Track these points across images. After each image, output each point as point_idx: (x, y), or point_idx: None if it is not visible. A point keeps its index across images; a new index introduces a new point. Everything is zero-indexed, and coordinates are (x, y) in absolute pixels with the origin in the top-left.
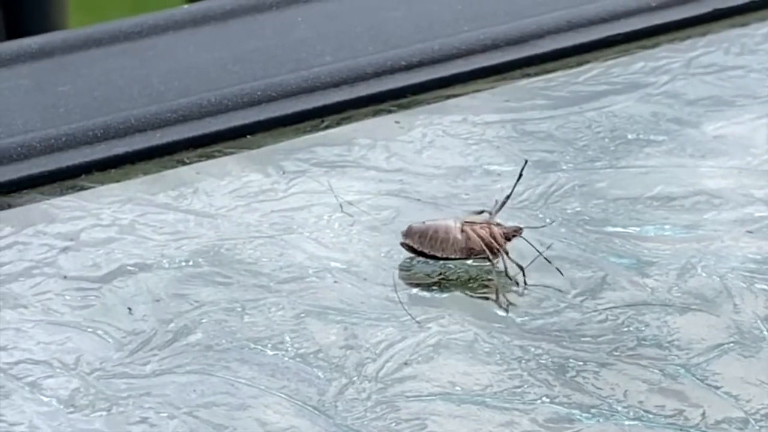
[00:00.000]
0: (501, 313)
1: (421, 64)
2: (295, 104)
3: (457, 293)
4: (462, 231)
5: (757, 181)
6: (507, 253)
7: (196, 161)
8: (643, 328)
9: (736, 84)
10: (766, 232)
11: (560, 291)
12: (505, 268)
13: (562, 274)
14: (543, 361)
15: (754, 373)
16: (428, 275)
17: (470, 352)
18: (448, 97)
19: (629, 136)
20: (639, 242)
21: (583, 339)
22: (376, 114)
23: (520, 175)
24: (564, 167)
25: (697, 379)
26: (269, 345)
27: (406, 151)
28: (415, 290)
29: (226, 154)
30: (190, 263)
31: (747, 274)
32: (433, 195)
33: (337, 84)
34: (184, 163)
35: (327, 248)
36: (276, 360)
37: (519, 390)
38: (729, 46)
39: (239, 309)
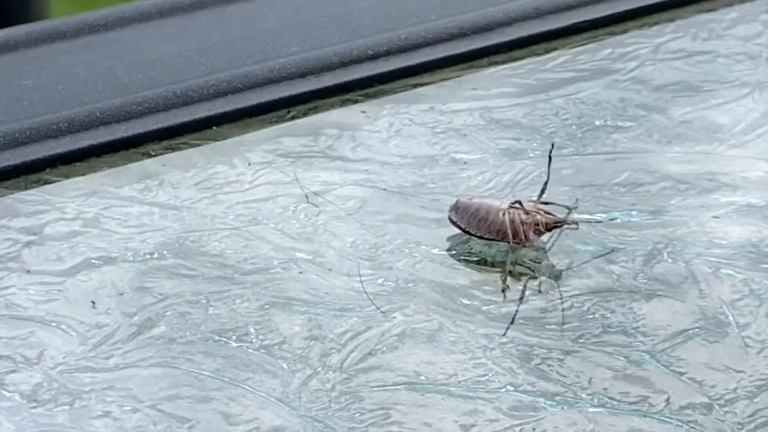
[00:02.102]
0: (466, 301)
1: (387, 54)
2: (261, 95)
3: (423, 283)
4: (504, 213)
5: (723, 166)
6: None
7: (162, 153)
8: (609, 315)
9: (704, 69)
10: (732, 217)
11: (526, 278)
12: (515, 258)
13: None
14: (507, 350)
15: (719, 358)
16: (393, 266)
17: (435, 342)
18: (415, 86)
19: (596, 123)
20: (605, 229)
21: (548, 327)
22: (342, 104)
23: (550, 158)
24: (531, 155)
25: (662, 365)
26: (233, 337)
27: (372, 140)
28: (380, 280)
29: (191, 146)
30: (155, 256)
31: (713, 259)
32: (400, 184)
33: (303, 74)
34: (149, 156)
35: (292, 239)
36: (240, 352)
37: (483, 379)
38: (697, 32)
39: (203, 301)
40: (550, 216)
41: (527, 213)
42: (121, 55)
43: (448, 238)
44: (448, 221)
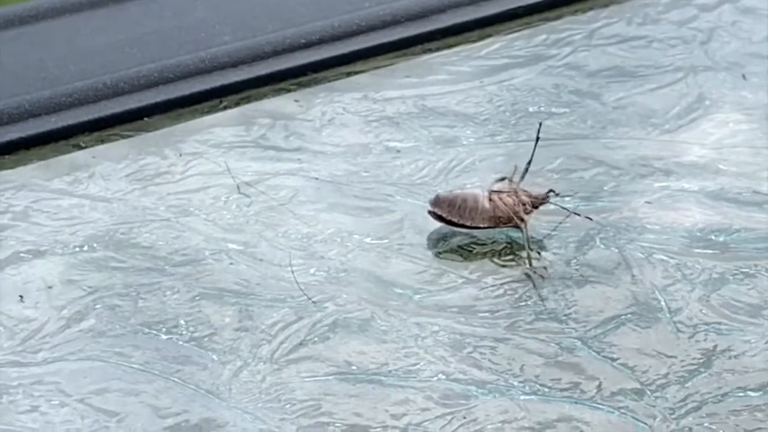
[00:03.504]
0: (398, 290)
1: (320, 42)
2: (193, 85)
3: (355, 272)
4: (490, 200)
5: (657, 151)
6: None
7: (93, 145)
8: (541, 302)
9: (639, 54)
10: (664, 202)
11: (458, 267)
12: (527, 238)
13: (591, 219)
14: (440, 338)
15: (651, 344)
16: (325, 256)
17: (367, 331)
18: (349, 74)
19: (530, 109)
20: (538, 215)
21: (480, 315)
22: (275, 93)
23: (537, 138)
24: (464, 142)
25: (594, 351)
26: (163, 329)
27: (305, 129)
28: (312, 270)
29: (123, 137)
30: (85, 248)
31: (645, 245)
32: (332, 173)
33: (235, 64)
34: (80, 148)
35: (224, 230)
36: (170, 344)
37: (415, 368)
38: (632, 17)
39: (133, 293)
40: (533, 194)
41: (512, 195)
42: (52, 47)
43: (380, 228)
44: (428, 215)
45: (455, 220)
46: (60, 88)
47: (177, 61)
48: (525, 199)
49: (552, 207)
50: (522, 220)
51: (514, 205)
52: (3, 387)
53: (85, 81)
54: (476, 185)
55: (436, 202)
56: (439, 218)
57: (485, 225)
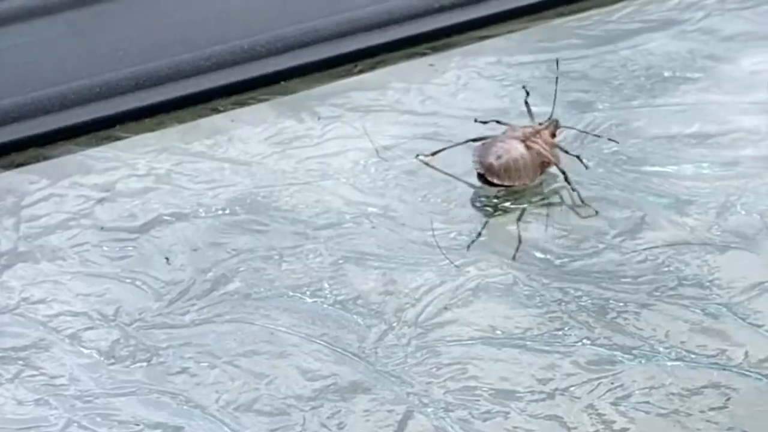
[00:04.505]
0: (540, 255)
1: (454, 6)
2: (329, 49)
3: (497, 236)
4: (528, 149)
5: None
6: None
7: (231, 109)
8: (684, 268)
9: None
10: None
11: (600, 232)
12: (564, 173)
13: (597, 212)
14: (583, 303)
15: None
16: (466, 220)
17: (510, 296)
18: (482, 38)
19: (665, 74)
20: (677, 181)
21: (623, 280)
22: (409, 57)
23: (527, 103)
24: (600, 107)
25: (739, 318)
26: (308, 292)
27: (440, 94)
28: (453, 234)
29: (260, 101)
30: (227, 212)
31: None
32: (468, 138)
33: (370, 28)
34: (218, 111)
35: (363, 193)
36: (315, 307)
37: (559, 333)
38: None
39: (277, 257)
40: (545, 125)
41: (537, 136)
42: (189, 11)
43: (519, 192)
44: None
45: (515, 184)
46: (197, 52)
47: (313, 24)
48: (545, 133)
49: (671, 170)
50: (557, 158)
51: (546, 144)
52: (153, 348)
53: (222, 45)
54: (504, 139)
55: (490, 169)
56: (493, 184)
57: (534, 178)
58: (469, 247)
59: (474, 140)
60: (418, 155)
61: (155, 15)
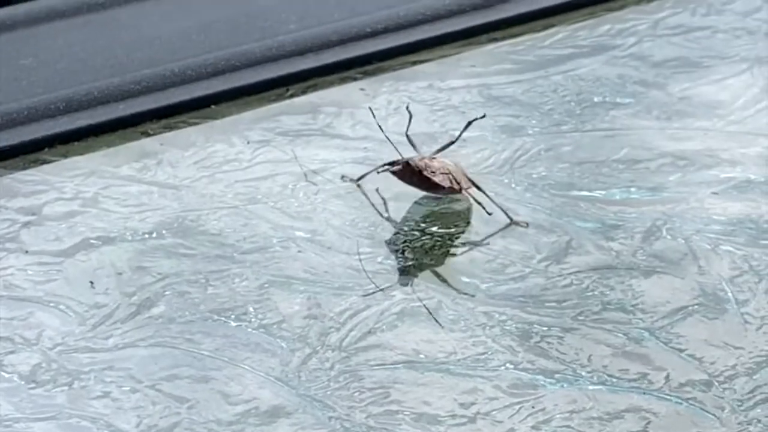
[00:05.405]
0: (465, 279)
1: (386, 31)
2: (260, 73)
3: (423, 260)
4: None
5: (722, 142)
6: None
7: (160, 132)
8: (608, 292)
9: (703, 45)
10: (731, 193)
11: (525, 256)
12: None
13: (526, 225)
14: (507, 327)
15: (718, 335)
16: (392, 243)
17: (434, 320)
18: (414, 63)
19: (595, 99)
20: (604, 206)
21: (547, 304)
22: (341, 81)
23: (469, 124)
24: (530, 132)
25: (661, 342)
26: (232, 316)
27: (371, 118)
28: (380, 258)
29: (190, 125)
30: (154, 235)
31: (712, 236)
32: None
33: (302, 52)
34: (148, 135)
35: (291, 217)
36: (239, 331)
37: (483, 357)
38: (695, 7)
39: (203, 280)
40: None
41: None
42: (119, 34)
43: (448, 217)
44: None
45: (437, 180)
46: (128, 75)
47: (244, 49)
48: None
49: (598, 195)
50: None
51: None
52: (75, 372)
53: (152, 68)
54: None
55: (413, 163)
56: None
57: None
58: (399, 270)
59: (390, 164)
60: (343, 176)
61: (84, 39)
